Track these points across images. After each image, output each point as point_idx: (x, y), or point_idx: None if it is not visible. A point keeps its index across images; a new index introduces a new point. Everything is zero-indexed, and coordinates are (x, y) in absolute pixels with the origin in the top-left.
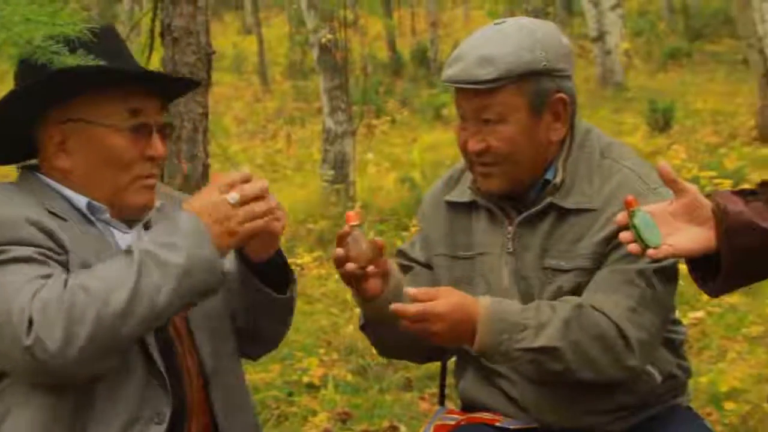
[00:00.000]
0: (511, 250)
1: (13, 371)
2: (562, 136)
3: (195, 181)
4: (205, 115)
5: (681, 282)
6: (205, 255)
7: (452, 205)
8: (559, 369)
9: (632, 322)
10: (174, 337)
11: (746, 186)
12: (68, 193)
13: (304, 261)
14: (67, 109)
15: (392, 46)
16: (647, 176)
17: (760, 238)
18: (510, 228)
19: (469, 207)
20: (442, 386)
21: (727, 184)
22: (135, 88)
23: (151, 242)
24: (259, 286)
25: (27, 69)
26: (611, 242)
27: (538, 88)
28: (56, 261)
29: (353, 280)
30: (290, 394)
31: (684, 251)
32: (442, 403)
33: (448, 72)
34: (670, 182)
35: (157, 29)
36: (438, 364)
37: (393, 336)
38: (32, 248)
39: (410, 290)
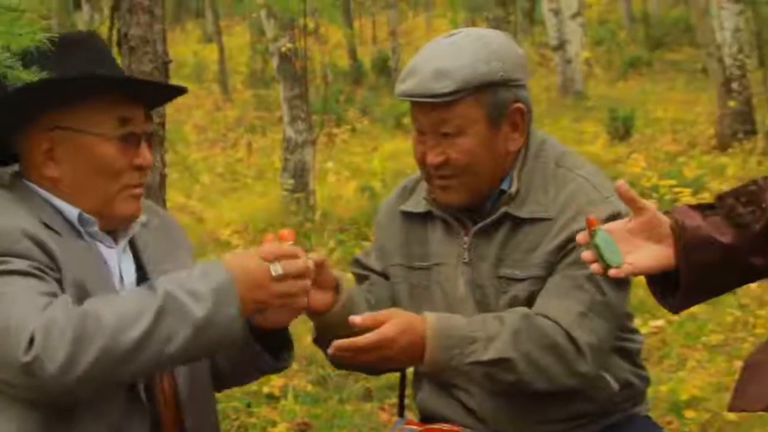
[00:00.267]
0: (467, 260)
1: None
2: (519, 146)
3: (153, 191)
4: (162, 124)
5: (641, 291)
6: (227, 315)
7: (407, 215)
8: (511, 380)
9: (582, 328)
10: None
11: (706, 194)
12: (59, 203)
13: None
14: (55, 117)
15: (353, 54)
16: (601, 185)
17: (718, 253)
18: (466, 238)
19: (425, 217)
20: (401, 397)
21: (686, 193)
22: (122, 96)
23: (178, 286)
24: (258, 350)
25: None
26: (563, 250)
27: (496, 99)
28: (51, 277)
29: None
30: (249, 405)
31: (644, 269)
32: (401, 414)
33: (403, 87)
34: (628, 201)
35: (115, 38)
36: (398, 374)
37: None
38: (28, 262)
39: (355, 319)
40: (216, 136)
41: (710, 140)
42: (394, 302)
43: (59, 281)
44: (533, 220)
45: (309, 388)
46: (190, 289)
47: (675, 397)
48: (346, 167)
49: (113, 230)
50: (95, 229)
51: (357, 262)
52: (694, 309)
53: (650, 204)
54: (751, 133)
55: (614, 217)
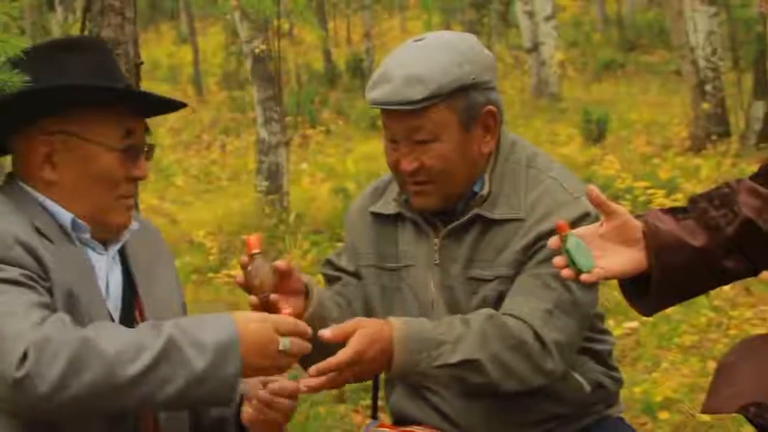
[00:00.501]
0: (437, 261)
1: None
2: (492, 148)
3: None
4: None
5: (616, 293)
6: (226, 373)
7: (377, 216)
8: (479, 381)
9: (548, 325)
10: None
11: (680, 196)
12: (52, 207)
13: (238, 272)
14: (59, 122)
15: (327, 56)
16: (571, 186)
17: (689, 256)
18: (436, 240)
19: (395, 219)
20: (375, 399)
21: (660, 194)
22: (127, 108)
23: (183, 332)
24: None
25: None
26: (532, 249)
27: (468, 102)
28: (42, 287)
29: (261, 309)
30: None
31: (616, 273)
32: (375, 416)
33: (374, 94)
34: (598, 205)
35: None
36: None
37: (318, 353)
38: (20, 270)
39: (325, 333)
40: (190, 138)
41: (684, 142)
42: (367, 303)
43: (49, 290)
44: (503, 221)
45: None
46: (195, 338)
47: (649, 399)
48: (320, 169)
49: (104, 239)
50: (87, 236)
51: (329, 263)
52: (668, 310)
53: (621, 208)
54: (725, 134)
55: (584, 217)
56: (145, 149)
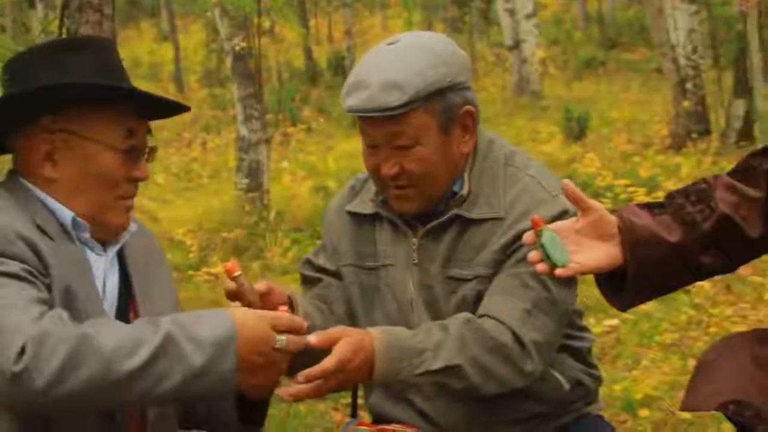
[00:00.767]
0: (416, 261)
1: None
2: (471, 148)
3: None
4: None
5: (596, 290)
6: (223, 369)
7: (354, 216)
8: (461, 387)
9: (527, 325)
10: None
11: (660, 194)
12: (53, 204)
13: (218, 270)
14: (60, 120)
15: (308, 54)
16: (549, 184)
17: (665, 251)
18: (414, 240)
19: (372, 218)
20: (354, 397)
21: (641, 192)
22: (130, 108)
23: (181, 327)
24: (233, 418)
25: (15, 75)
26: (510, 248)
27: (446, 104)
28: (41, 282)
29: None
30: None
31: (591, 268)
32: (354, 414)
33: (351, 102)
34: (575, 200)
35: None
36: None
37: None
38: (21, 265)
39: (310, 339)
40: (171, 136)
41: (665, 140)
42: (348, 303)
43: (48, 286)
44: (482, 221)
45: None
46: (193, 334)
47: (629, 396)
48: (301, 166)
49: (102, 239)
50: (86, 235)
51: (308, 263)
52: (648, 308)
53: (597, 203)
54: (706, 132)
55: (562, 214)
56: (147, 151)
